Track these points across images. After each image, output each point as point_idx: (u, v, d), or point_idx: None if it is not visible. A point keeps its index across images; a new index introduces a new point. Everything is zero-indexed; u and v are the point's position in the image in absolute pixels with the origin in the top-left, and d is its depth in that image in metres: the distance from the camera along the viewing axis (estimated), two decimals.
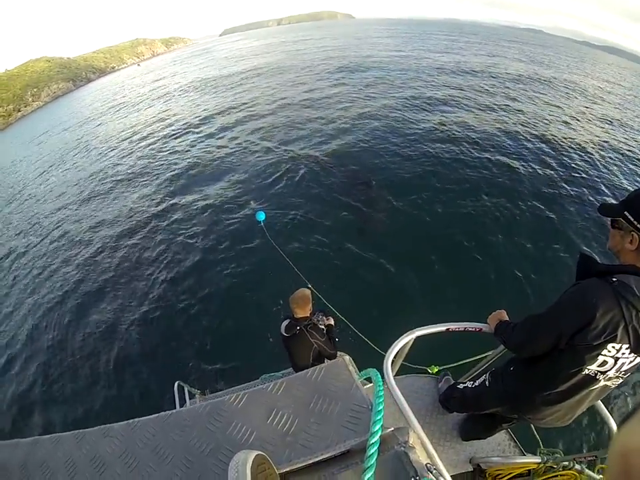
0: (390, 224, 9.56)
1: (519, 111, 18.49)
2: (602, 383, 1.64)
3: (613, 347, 1.46)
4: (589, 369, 1.57)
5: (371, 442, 1.22)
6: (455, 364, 2.61)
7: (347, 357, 1.54)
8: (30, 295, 11.33)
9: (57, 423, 7.04)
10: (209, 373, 6.60)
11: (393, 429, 1.34)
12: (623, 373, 1.59)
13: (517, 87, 24.91)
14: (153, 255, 10.92)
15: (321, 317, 4.09)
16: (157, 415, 1.56)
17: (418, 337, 1.99)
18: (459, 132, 14.94)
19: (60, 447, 1.52)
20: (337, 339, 4.03)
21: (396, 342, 1.92)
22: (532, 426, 2.54)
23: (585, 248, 8.46)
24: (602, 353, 1.49)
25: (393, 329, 4.19)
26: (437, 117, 16.97)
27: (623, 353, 1.48)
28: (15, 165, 34.76)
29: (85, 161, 24.78)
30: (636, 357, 1.51)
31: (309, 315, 3.70)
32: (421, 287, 7.64)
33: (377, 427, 1.27)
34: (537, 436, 2.71)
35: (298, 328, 3.59)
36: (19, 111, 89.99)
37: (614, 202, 1.66)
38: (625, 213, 1.52)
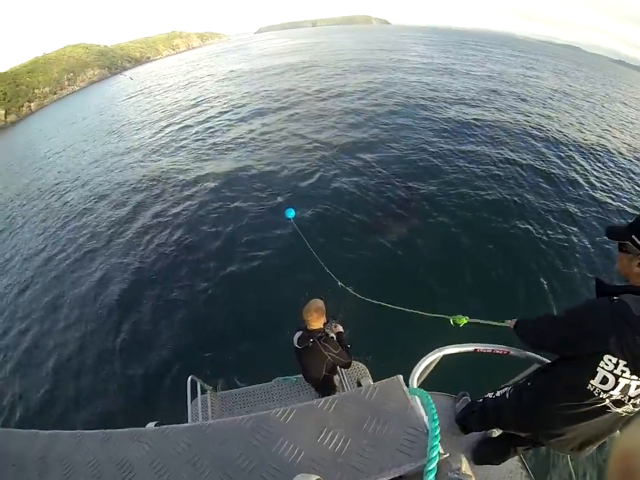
0: (426, 234, 9.59)
1: (560, 131, 18.13)
2: (613, 410, 1.65)
3: (610, 360, 1.52)
4: (591, 384, 1.61)
5: (429, 468, 1.19)
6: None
7: (400, 376, 1.47)
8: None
9: (66, 407, 7.24)
10: (222, 370, 6.58)
11: (447, 455, 1.30)
12: (633, 399, 1.60)
13: (552, 103, 24.51)
14: (176, 243, 11.12)
15: (332, 323, 4.04)
16: (192, 423, 1.49)
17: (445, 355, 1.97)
18: (501, 151, 14.86)
19: (83, 444, 1.45)
20: (349, 345, 3.98)
21: (423, 358, 1.88)
22: (569, 463, 2.64)
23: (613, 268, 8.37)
24: (600, 365, 1.55)
25: (417, 340, 4.34)
26: (478, 132, 16.94)
27: (623, 371, 1.51)
28: (48, 139, 37.21)
29: (115, 142, 26.19)
30: None
31: (322, 327, 3.65)
32: (450, 299, 7.64)
33: (435, 452, 1.24)
34: (572, 469, 2.67)
35: (311, 340, 3.55)
36: (55, 93, 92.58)
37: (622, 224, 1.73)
38: (633, 236, 1.57)
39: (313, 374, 3.85)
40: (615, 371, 1.50)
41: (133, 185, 17.07)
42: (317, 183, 12.82)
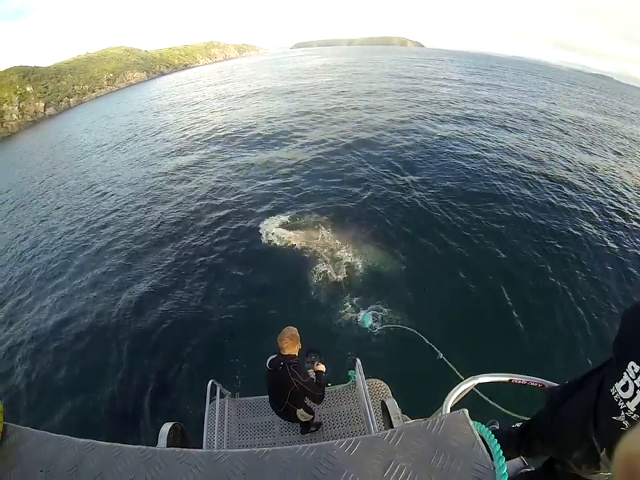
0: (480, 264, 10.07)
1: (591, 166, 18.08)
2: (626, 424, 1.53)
3: (632, 368, 1.42)
4: (615, 387, 1.52)
5: None
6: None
7: (466, 411, 1.48)
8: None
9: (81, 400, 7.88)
10: (242, 377, 7.02)
11: None
12: None
13: (582, 134, 24.43)
14: (219, 255, 11.70)
15: (312, 359, 4.28)
16: (248, 450, 1.43)
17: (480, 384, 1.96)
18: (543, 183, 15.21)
19: (121, 460, 1.39)
20: (328, 384, 4.29)
21: (458, 385, 1.85)
22: None
23: None
24: (626, 370, 1.45)
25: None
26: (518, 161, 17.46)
27: None
28: (86, 132, 41.15)
29: (149, 140, 28.93)
30: None
31: (296, 354, 3.73)
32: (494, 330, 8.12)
33: None
34: None
35: (281, 364, 3.63)
36: (93, 91, 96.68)
37: None
38: None
39: (276, 398, 3.99)
40: (636, 381, 1.40)
41: (163, 180, 19.05)
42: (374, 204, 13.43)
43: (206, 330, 8.86)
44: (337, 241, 11.08)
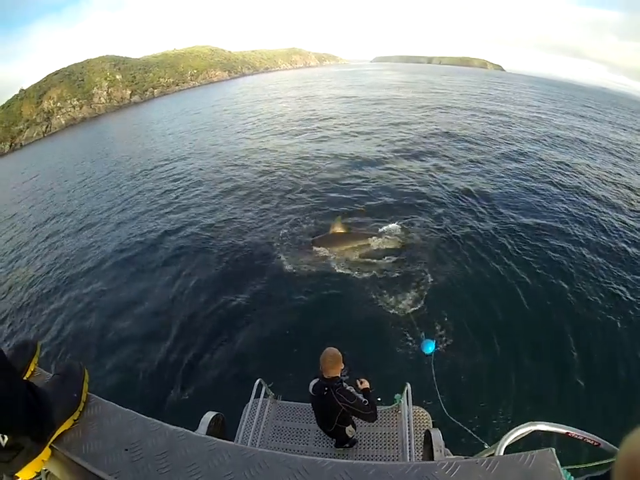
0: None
1: None
2: None
3: None
4: None
5: None
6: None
7: (554, 450, 1.30)
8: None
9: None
10: (288, 381, 6.91)
11: None
12: None
13: None
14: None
15: (359, 380, 4.12)
16: (351, 461, 1.27)
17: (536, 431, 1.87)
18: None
19: (218, 455, 1.27)
20: (378, 399, 4.30)
21: (515, 429, 1.80)
22: None
23: None
24: None
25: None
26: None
27: None
28: (167, 121, 44.48)
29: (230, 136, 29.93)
30: None
31: (338, 375, 3.76)
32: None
33: None
34: None
35: (326, 389, 3.67)
36: (177, 85, 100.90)
37: None
38: None
39: (325, 422, 4.08)
40: None
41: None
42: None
43: (264, 330, 9.01)
44: (404, 260, 10.98)
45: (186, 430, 1.37)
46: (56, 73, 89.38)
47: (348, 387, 3.87)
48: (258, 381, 4.68)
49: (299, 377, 6.79)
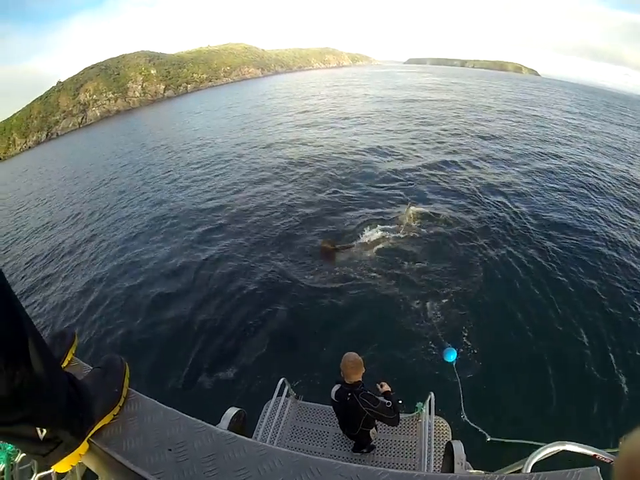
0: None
1: None
2: None
3: None
4: None
5: None
6: None
7: (598, 469, 1.17)
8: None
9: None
10: (312, 383, 6.92)
11: None
12: None
13: None
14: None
15: (379, 384, 4.07)
16: (402, 471, 1.16)
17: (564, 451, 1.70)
18: None
19: (269, 460, 1.19)
20: (400, 401, 4.04)
21: (543, 447, 1.65)
22: None
23: None
24: None
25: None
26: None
27: None
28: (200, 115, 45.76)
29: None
30: None
31: (360, 380, 3.74)
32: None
33: None
34: None
35: (349, 395, 3.65)
36: (210, 81, 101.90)
37: None
38: None
39: (349, 427, 4.09)
40: None
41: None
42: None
43: (291, 328, 8.88)
44: (434, 266, 10.44)
45: (234, 434, 1.32)
46: (92, 66, 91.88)
47: (369, 391, 3.83)
48: (282, 380, 4.74)
49: (322, 378, 6.95)
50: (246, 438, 1.31)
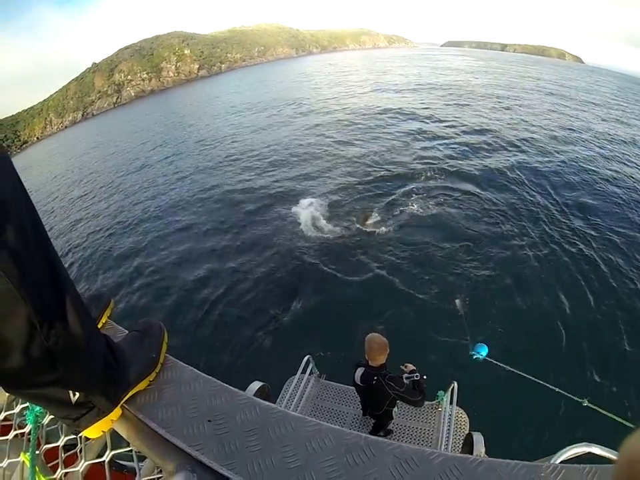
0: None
1: None
2: None
3: None
4: None
5: None
6: None
7: None
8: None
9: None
10: (337, 362, 6.82)
11: None
12: None
13: None
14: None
15: (402, 365, 3.86)
16: (461, 455, 1.04)
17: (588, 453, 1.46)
18: None
19: (318, 438, 1.10)
20: (424, 377, 3.68)
21: (568, 448, 1.45)
22: None
23: None
24: None
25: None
26: None
27: None
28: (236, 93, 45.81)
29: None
30: None
31: (385, 363, 3.53)
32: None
33: None
34: None
35: (375, 378, 3.47)
36: (244, 61, 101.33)
37: None
38: None
39: (375, 409, 3.97)
40: None
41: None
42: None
43: (321, 309, 8.86)
44: (468, 257, 10.06)
45: (279, 407, 1.19)
46: (127, 47, 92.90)
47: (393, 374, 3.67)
48: (306, 357, 4.77)
49: (346, 358, 6.69)
50: (294, 413, 1.17)
